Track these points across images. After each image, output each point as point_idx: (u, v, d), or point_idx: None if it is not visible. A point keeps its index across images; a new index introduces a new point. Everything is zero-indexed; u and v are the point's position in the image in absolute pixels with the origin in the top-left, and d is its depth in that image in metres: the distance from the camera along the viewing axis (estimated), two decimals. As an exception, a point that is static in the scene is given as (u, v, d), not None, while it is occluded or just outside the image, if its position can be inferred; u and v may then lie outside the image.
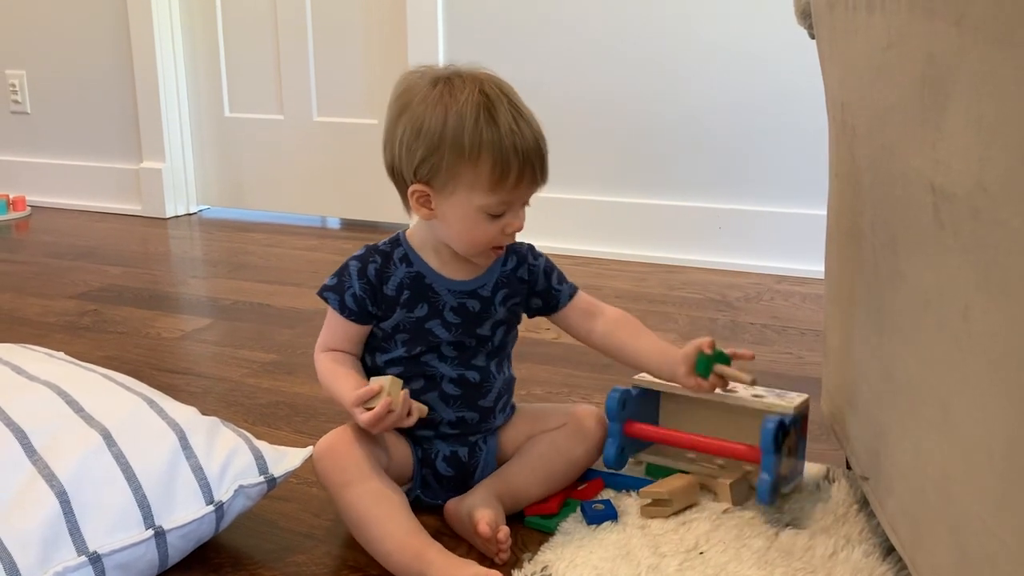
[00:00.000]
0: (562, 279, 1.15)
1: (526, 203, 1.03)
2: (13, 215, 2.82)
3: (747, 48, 2.10)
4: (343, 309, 1.05)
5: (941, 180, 0.71)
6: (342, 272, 1.07)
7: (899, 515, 0.86)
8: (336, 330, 1.07)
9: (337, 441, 1.01)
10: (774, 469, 1.03)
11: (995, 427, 0.65)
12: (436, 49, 2.35)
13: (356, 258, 1.07)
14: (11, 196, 2.84)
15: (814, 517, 1.06)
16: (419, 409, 1.01)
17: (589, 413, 1.14)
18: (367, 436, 1.03)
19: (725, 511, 1.07)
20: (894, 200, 0.83)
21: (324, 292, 1.07)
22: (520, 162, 0.98)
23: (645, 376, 1.18)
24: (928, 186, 0.73)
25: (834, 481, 1.13)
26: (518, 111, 1.00)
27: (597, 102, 2.25)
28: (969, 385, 0.69)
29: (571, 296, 1.15)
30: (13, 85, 2.97)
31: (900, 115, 0.80)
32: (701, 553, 0.99)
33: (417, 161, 1.00)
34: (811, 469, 1.15)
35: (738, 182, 2.17)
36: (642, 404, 1.18)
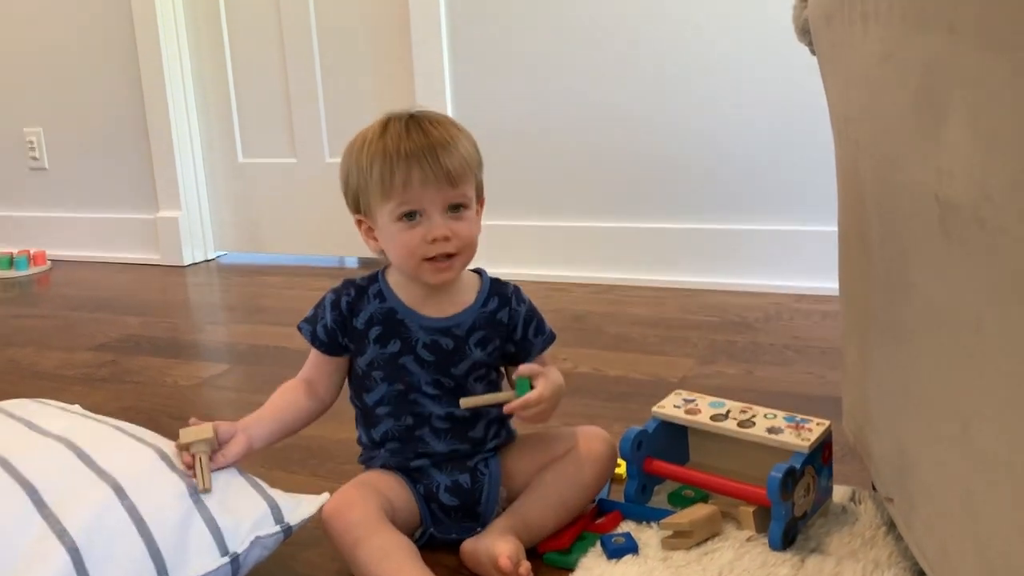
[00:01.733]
0: (540, 330, 1.13)
1: (450, 209, 1.03)
2: (34, 270, 2.84)
3: (756, 66, 2.09)
4: (314, 340, 1.10)
5: (945, 191, 0.69)
6: (319, 305, 1.11)
7: (925, 537, 0.84)
8: (312, 361, 1.12)
9: (340, 502, 1.02)
10: (785, 517, 1.01)
11: (1016, 441, 0.63)
12: (443, 88, 2.36)
13: (333, 291, 1.11)
14: (32, 251, 2.88)
15: (841, 541, 1.03)
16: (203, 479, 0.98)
17: (595, 435, 1.12)
18: (369, 490, 1.04)
19: (749, 539, 1.04)
20: (900, 213, 0.82)
21: (300, 324, 1.12)
22: (405, 162, 1.00)
23: (666, 408, 1.16)
24: (932, 197, 0.72)
25: (861, 503, 1.10)
26: (417, 124, 1.03)
27: (608, 126, 2.25)
28: (987, 398, 0.67)
29: (541, 350, 1.13)
30: (31, 142, 3.01)
31: (900, 126, 0.79)
32: (725, 584, 0.96)
33: (345, 196, 1.08)
34: (837, 491, 1.12)
35: (754, 202, 2.15)
36: (664, 438, 1.16)
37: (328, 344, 1.10)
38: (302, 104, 2.65)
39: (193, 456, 0.99)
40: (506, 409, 1.04)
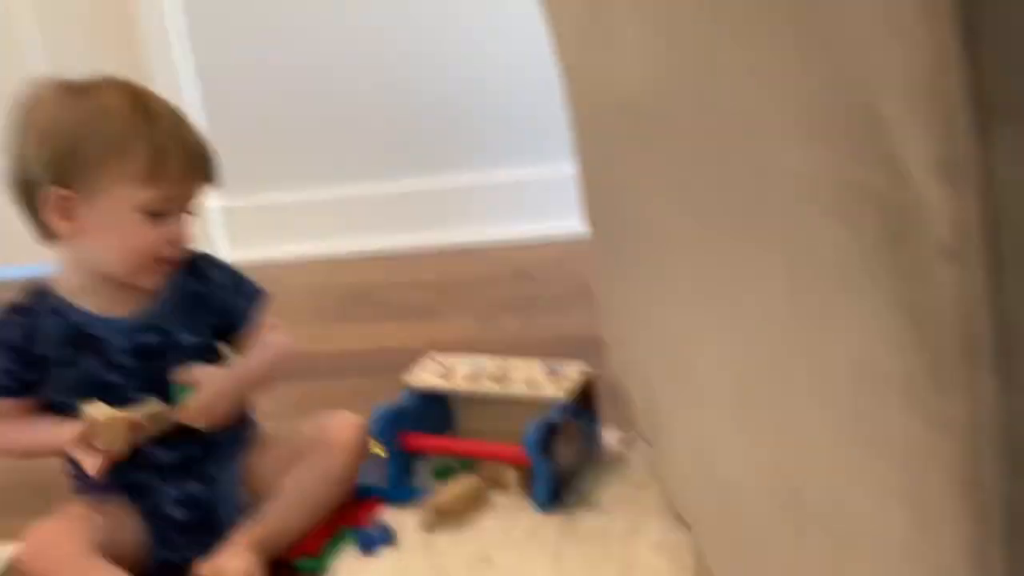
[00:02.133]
0: (244, 290, 1.00)
1: (190, 210, 0.93)
2: None
3: (517, 15, 2.00)
4: None
5: (626, 91, 0.60)
6: None
7: (676, 481, 0.77)
8: None
9: (40, 542, 0.87)
10: (548, 474, 0.93)
11: (731, 374, 0.55)
12: (182, 58, 2.15)
13: None
14: None
15: (611, 491, 0.96)
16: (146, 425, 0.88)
17: (343, 421, 1.01)
18: (77, 522, 0.89)
19: (518, 506, 0.96)
20: (604, 130, 0.73)
21: None
22: (182, 151, 0.90)
23: (419, 377, 1.06)
24: (619, 103, 0.63)
25: (631, 447, 1.04)
26: (177, 113, 0.94)
27: (370, 85, 2.11)
28: (703, 330, 0.59)
29: (252, 310, 1.00)
30: None
31: (588, 32, 0.70)
32: (489, 561, 0.87)
33: (52, 161, 0.87)
34: (608, 437, 1.06)
35: (530, 148, 2.07)
36: (423, 409, 1.06)
37: (14, 388, 0.92)
38: None
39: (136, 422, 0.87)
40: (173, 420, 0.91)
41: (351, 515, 0.98)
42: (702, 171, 0.48)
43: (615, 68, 0.61)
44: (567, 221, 2.03)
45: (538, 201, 2.09)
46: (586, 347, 1.36)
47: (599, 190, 0.88)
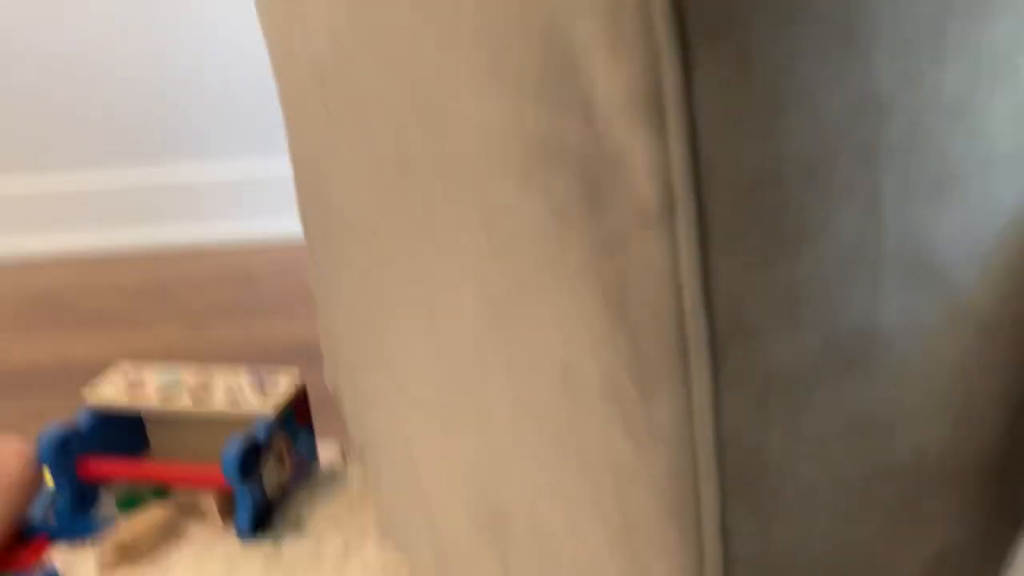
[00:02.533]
0: None
1: None
2: None
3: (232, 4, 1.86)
4: None
5: (314, 55, 0.52)
6: None
7: (386, 499, 0.70)
8: None
9: None
10: (252, 499, 0.83)
11: (433, 378, 0.49)
12: None
13: None
14: None
15: (326, 512, 0.87)
16: None
17: (5, 449, 0.86)
18: None
19: (218, 536, 0.85)
20: (302, 107, 0.65)
21: None
22: None
23: (103, 392, 0.92)
24: (311, 70, 0.55)
25: (350, 460, 0.95)
26: None
27: (75, 68, 1.89)
28: (405, 330, 0.52)
29: None
30: None
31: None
32: (178, 603, 0.76)
33: None
34: (324, 450, 0.97)
35: (254, 142, 1.93)
36: (107, 428, 0.92)
37: None
38: None
39: None
40: None
41: (13, 558, 0.83)
42: (386, 142, 0.41)
43: (305, 28, 0.53)
44: (293, 220, 1.92)
45: (261, 198, 1.96)
46: (309, 355, 1.26)
47: (306, 180, 0.79)
